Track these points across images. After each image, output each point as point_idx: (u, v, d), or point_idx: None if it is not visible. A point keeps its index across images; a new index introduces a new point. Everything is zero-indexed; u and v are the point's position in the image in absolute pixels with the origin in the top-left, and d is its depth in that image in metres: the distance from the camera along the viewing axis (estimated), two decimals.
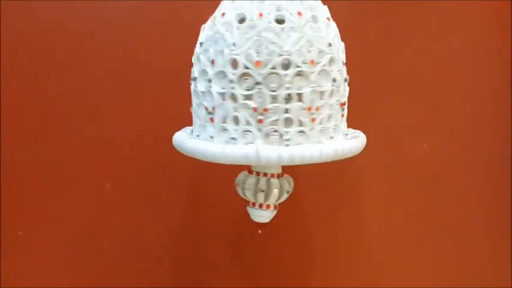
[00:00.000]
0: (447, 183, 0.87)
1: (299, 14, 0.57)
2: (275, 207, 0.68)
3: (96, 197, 0.85)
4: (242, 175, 0.68)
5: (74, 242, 0.85)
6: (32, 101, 0.83)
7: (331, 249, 0.88)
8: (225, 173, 0.82)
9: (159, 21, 0.84)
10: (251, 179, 0.67)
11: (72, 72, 0.83)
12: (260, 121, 0.56)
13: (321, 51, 0.57)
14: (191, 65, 0.63)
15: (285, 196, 0.68)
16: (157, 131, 0.83)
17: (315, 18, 0.58)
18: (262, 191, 0.66)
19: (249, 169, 0.68)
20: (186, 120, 0.66)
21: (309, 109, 0.57)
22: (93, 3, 0.83)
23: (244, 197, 0.68)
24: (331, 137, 0.60)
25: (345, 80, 0.62)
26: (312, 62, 0.57)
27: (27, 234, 0.84)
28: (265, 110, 0.56)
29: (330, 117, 0.59)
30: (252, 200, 0.67)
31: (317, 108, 0.58)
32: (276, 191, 0.66)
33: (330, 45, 0.58)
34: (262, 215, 0.68)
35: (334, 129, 0.60)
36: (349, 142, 0.60)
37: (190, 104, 0.64)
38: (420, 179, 0.87)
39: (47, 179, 0.84)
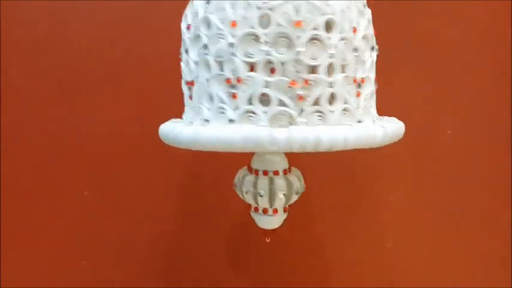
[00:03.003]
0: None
1: None
2: (285, 210, 0.54)
3: (89, 202, 0.75)
4: (240, 174, 0.54)
5: (71, 245, 0.76)
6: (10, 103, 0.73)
7: (345, 254, 0.77)
8: (224, 169, 0.70)
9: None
10: (248, 179, 0.52)
11: (51, 73, 0.73)
12: (300, 98, 0.42)
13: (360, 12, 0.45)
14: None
15: (295, 197, 0.53)
16: (141, 128, 0.72)
17: None
18: (261, 195, 0.52)
19: (248, 165, 0.54)
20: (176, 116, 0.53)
21: (355, 81, 0.44)
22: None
23: (245, 201, 0.54)
24: (373, 120, 0.47)
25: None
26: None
27: (26, 235, 0.76)
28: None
29: (372, 94, 0.47)
30: (254, 204, 0.54)
31: (362, 81, 0.45)
32: (281, 195, 0.51)
33: (364, 6, 0.47)
34: (269, 221, 0.54)
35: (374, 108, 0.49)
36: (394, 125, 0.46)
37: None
38: (442, 171, 0.76)
39: (36, 182, 0.75)
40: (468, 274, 0.78)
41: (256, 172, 0.52)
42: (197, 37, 0.45)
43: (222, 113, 0.43)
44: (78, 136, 0.74)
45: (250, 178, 0.52)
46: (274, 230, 0.55)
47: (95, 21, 0.72)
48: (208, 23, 0.44)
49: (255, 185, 0.52)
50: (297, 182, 0.53)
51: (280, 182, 0.51)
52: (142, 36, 0.73)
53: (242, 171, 0.54)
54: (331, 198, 0.75)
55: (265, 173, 0.52)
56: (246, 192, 0.52)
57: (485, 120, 0.76)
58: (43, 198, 0.75)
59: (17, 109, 0.73)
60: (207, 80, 0.44)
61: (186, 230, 0.76)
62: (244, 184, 0.52)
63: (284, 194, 0.51)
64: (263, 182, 0.51)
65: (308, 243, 0.77)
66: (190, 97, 0.47)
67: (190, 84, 0.47)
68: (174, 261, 0.76)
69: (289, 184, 0.52)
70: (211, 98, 0.44)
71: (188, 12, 0.47)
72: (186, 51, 0.47)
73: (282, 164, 0.53)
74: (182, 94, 0.49)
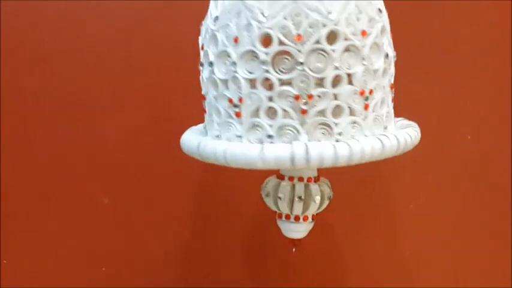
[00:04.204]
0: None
1: None
2: (313, 217, 0.55)
3: (98, 211, 0.76)
4: (271, 182, 0.55)
5: (76, 253, 0.77)
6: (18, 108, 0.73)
7: (363, 265, 0.78)
8: (240, 178, 0.72)
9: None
10: (285, 186, 0.54)
11: (61, 75, 0.73)
12: (303, 112, 0.44)
13: (371, 19, 0.47)
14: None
15: (326, 203, 0.55)
16: (157, 133, 0.74)
17: None
18: (301, 199, 0.53)
19: (277, 174, 0.55)
20: (190, 120, 0.56)
21: (362, 93, 0.46)
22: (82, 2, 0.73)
23: (275, 209, 0.55)
24: (385, 127, 0.49)
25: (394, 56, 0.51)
26: (363, 32, 0.45)
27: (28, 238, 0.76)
28: (310, 96, 0.44)
29: (382, 102, 0.49)
30: (286, 211, 0.55)
31: (370, 92, 0.47)
32: (318, 198, 0.54)
33: (380, 11, 0.48)
34: (299, 230, 0.55)
35: (387, 116, 0.50)
36: (409, 131, 0.49)
37: (199, 97, 0.53)
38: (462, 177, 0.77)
39: (45, 190, 0.75)
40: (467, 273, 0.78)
41: (291, 179, 0.54)
42: (206, 54, 0.47)
43: (230, 127, 0.46)
44: (93, 141, 0.74)
45: (286, 185, 0.54)
46: (300, 240, 0.56)
47: (105, 22, 0.72)
48: (215, 41, 0.47)
49: (291, 190, 0.54)
50: (327, 188, 0.56)
51: (315, 187, 0.54)
52: (157, 41, 0.73)
53: (272, 179, 0.55)
54: (349, 205, 0.76)
55: (300, 179, 0.54)
56: (283, 199, 0.54)
57: (506, 124, 0.76)
58: (56, 203, 0.75)
59: (27, 114, 0.73)
60: (215, 97, 0.47)
61: (202, 235, 0.77)
62: (281, 191, 0.54)
63: (319, 198, 0.53)
64: (300, 187, 0.53)
65: (325, 249, 0.78)
66: (204, 109, 0.51)
67: (203, 97, 0.51)
68: (190, 268, 0.77)
69: (322, 189, 0.54)
70: (219, 113, 0.47)
71: (203, 28, 0.49)
72: (201, 65, 0.50)
73: (313, 172, 0.55)
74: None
